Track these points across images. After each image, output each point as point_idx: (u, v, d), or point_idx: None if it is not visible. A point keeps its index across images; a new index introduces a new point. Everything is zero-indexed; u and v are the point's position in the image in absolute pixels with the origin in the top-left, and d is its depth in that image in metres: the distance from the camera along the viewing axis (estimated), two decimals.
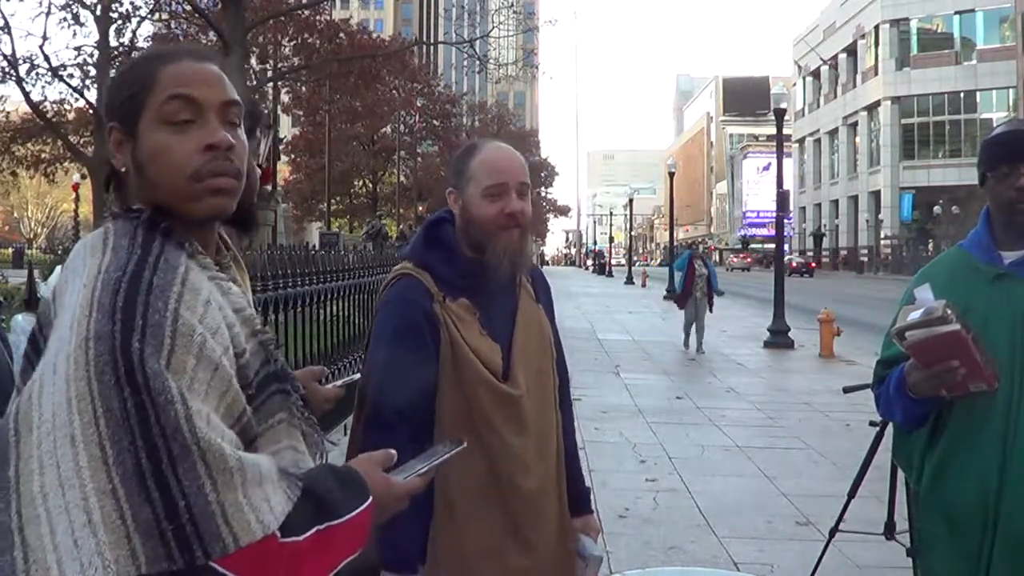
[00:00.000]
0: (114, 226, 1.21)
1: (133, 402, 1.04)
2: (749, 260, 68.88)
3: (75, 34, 20.31)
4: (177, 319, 1.10)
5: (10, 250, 44.15)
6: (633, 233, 65.85)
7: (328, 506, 1.16)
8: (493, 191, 1.94)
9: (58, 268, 1.59)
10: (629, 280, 41.30)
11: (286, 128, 44.13)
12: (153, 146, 1.21)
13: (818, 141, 70.79)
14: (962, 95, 54.62)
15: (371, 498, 1.22)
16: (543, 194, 68.67)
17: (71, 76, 20.34)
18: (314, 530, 1.13)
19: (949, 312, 1.78)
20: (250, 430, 1.18)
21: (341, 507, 1.17)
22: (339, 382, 1.81)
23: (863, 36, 60.45)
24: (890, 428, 4.29)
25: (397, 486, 1.29)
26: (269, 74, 24.17)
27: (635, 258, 72.20)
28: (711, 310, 13.91)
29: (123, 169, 1.24)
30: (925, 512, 2.06)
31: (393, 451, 1.32)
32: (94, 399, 1.04)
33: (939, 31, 56.74)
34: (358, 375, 1.89)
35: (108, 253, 1.16)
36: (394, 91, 29.96)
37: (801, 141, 73.44)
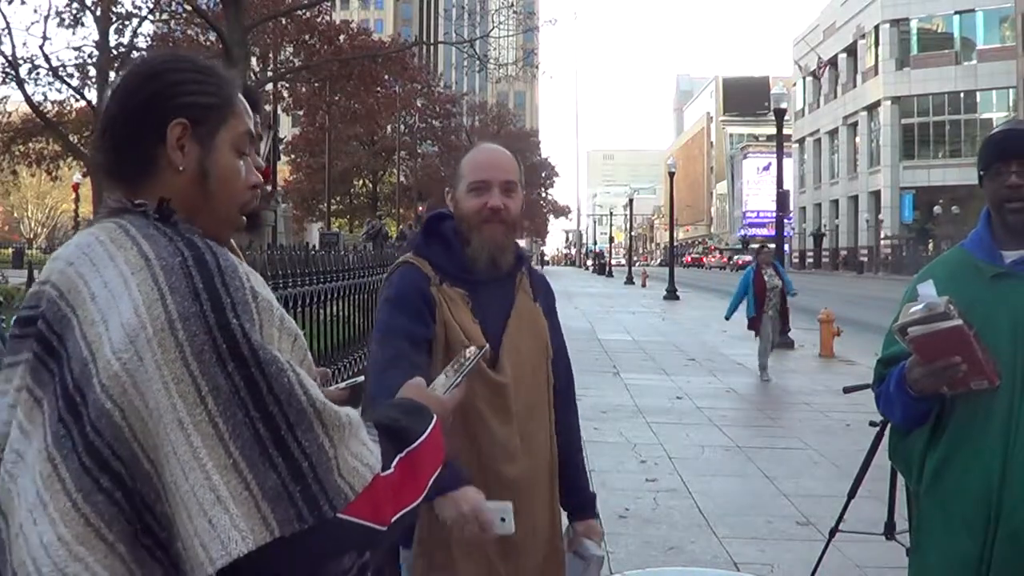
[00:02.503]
0: (124, 220, 1.20)
1: (241, 376, 1.07)
2: (725, 260, 75.03)
3: (74, 32, 20.21)
4: (256, 295, 1.14)
5: (10, 250, 44.14)
6: (633, 233, 65.91)
7: (401, 434, 1.23)
8: (476, 186, 2.08)
9: None
10: (629, 280, 41.34)
11: (286, 128, 44.13)
12: (228, 166, 1.27)
13: (818, 141, 70.75)
14: (962, 95, 54.58)
15: (435, 417, 1.30)
16: (543, 194, 68.58)
17: (71, 76, 20.35)
18: (397, 459, 1.19)
19: (952, 308, 1.79)
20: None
21: (413, 431, 1.24)
22: (342, 384, 1.81)
23: (863, 36, 60.42)
24: (890, 428, 4.29)
25: (445, 401, 1.38)
26: (269, 74, 24.16)
27: (635, 258, 72.34)
28: (786, 330, 11.44)
29: (181, 168, 1.23)
30: (925, 510, 2.06)
31: (421, 378, 1.42)
32: (195, 379, 1.06)
33: (939, 31, 56.71)
34: (362, 377, 1.89)
35: (144, 242, 1.15)
36: (393, 92, 29.92)
37: (801, 141, 73.39)
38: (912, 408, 1.99)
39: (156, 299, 1.09)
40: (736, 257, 78.67)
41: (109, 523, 1.08)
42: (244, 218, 1.33)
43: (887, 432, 4.21)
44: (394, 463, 1.18)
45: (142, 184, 1.23)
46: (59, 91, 20.85)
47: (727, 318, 11.71)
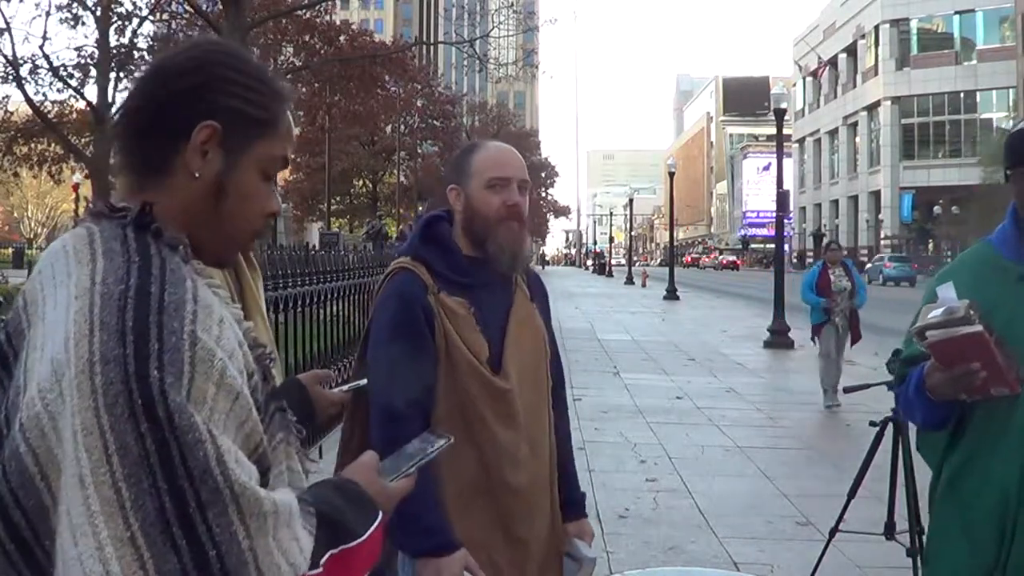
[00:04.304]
0: (99, 227, 1.07)
1: (153, 439, 0.93)
2: (723, 261, 78.54)
3: (75, 28, 20.09)
4: (195, 342, 0.98)
5: (10, 250, 44.15)
6: (633, 233, 65.94)
7: (342, 528, 1.11)
8: (496, 183, 2.00)
9: None
10: (629, 280, 41.34)
11: None
12: (249, 187, 1.14)
13: (818, 141, 70.77)
14: (962, 95, 54.56)
15: (381, 513, 1.18)
16: (543, 195, 68.62)
17: (71, 76, 20.35)
18: (328, 555, 1.08)
19: (972, 312, 1.71)
20: (264, 460, 1.08)
21: (355, 528, 1.13)
22: (345, 387, 1.80)
23: (863, 36, 60.41)
24: (890, 428, 4.29)
25: (393, 492, 1.25)
26: None
27: (635, 258, 72.48)
28: (853, 341, 9.18)
29: (197, 174, 1.10)
30: (940, 518, 1.97)
31: (374, 453, 1.30)
32: (104, 434, 0.93)
33: (939, 31, 56.70)
34: (364, 380, 1.89)
35: (99, 260, 1.02)
36: (393, 92, 29.91)
37: (801, 141, 73.41)
38: (932, 412, 1.91)
39: (85, 334, 0.96)
40: (721, 257, 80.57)
41: None
42: (253, 242, 1.20)
43: (887, 432, 4.23)
44: (324, 560, 1.06)
45: (150, 180, 1.11)
46: (59, 91, 20.88)
47: (815, 324, 9.28)
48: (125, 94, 1.23)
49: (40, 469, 0.95)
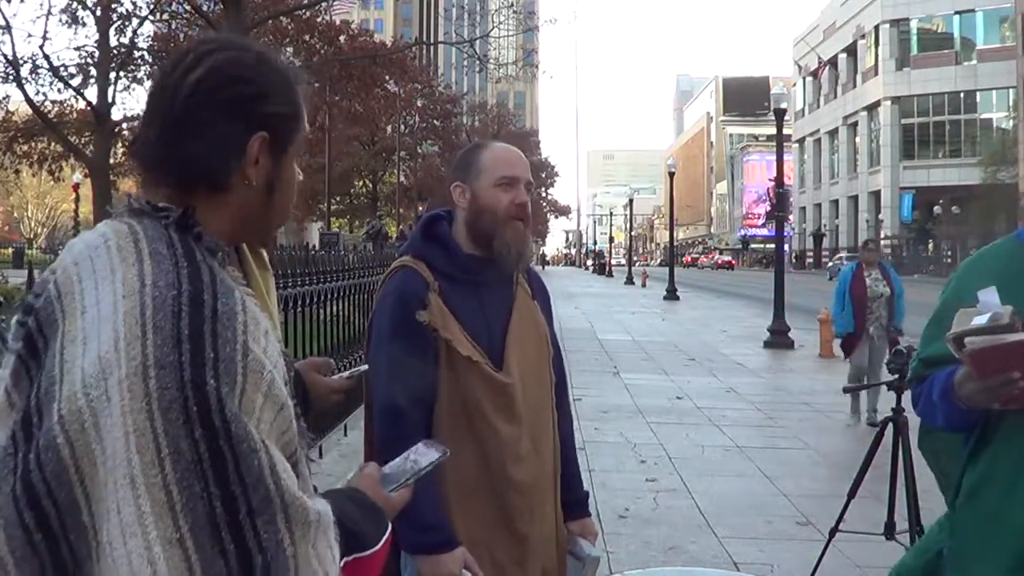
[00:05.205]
0: (140, 225, 1.08)
1: (207, 446, 0.96)
2: (719, 261, 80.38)
3: (75, 32, 20.06)
4: (247, 353, 1.01)
5: (10, 250, 44.13)
6: (633, 233, 65.93)
7: (357, 538, 1.14)
8: (506, 181, 2.03)
9: None
10: (629, 280, 41.35)
11: None
12: (292, 174, 1.20)
13: (818, 141, 70.79)
14: (962, 95, 54.61)
15: (390, 525, 1.21)
16: (543, 194, 68.66)
17: (71, 76, 20.34)
18: (344, 562, 1.10)
19: (1017, 319, 1.63)
20: (296, 467, 1.09)
21: (368, 539, 1.16)
22: (346, 373, 1.81)
23: (863, 36, 60.43)
24: (890, 428, 4.29)
25: (394, 503, 1.29)
26: None
27: (635, 258, 72.55)
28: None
29: (254, 183, 1.13)
30: (960, 532, 1.87)
31: (376, 464, 1.33)
32: (158, 437, 0.95)
33: (939, 31, 56.73)
34: (365, 367, 1.89)
35: (147, 261, 1.03)
36: (393, 92, 29.91)
37: (801, 141, 73.43)
38: (957, 418, 1.82)
39: (137, 336, 0.97)
40: (718, 257, 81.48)
41: (19, 563, 0.98)
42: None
43: (887, 432, 4.23)
44: (341, 565, 1.10)
45: (200, 189, 1.11)
46: (59, 91, 20.87)
47: (838, 335, 8.63)
48: (136, 92, 1.16)
49: (75, 462, 0.97)
